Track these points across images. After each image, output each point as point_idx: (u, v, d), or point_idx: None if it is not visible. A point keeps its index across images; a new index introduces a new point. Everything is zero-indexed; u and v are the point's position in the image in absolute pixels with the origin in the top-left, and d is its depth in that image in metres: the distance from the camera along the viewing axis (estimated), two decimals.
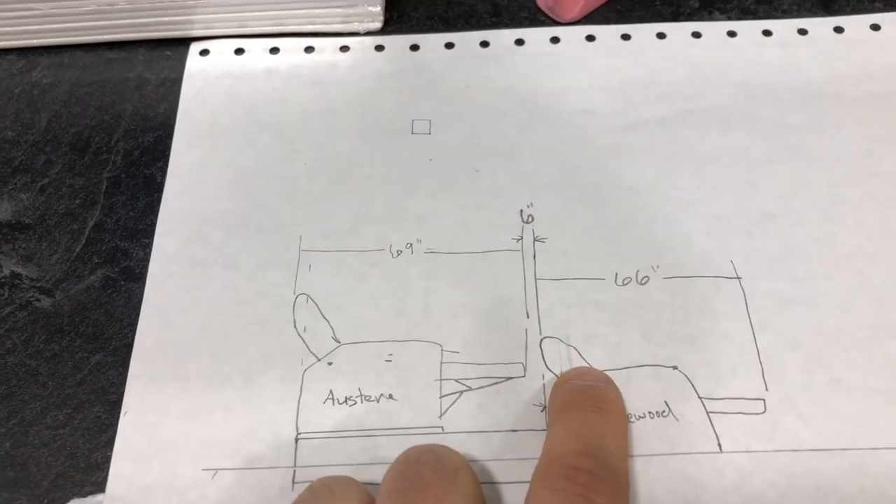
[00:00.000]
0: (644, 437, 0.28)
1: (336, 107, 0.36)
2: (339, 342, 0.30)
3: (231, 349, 0.30)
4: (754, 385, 0.29)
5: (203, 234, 0.32)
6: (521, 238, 0.32)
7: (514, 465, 0.27)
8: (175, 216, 0.33)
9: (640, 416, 0.28)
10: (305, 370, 0.29)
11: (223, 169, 0.34)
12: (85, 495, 0.28)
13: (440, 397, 0.29)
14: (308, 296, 0.31)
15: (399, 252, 0.32)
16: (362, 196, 0.33)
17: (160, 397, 0.29)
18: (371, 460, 0.28)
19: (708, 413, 0.28)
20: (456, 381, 0.29)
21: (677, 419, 0.28)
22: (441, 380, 0.29)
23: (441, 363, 0.30)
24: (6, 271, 0.32)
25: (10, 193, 0.34)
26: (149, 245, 0.32)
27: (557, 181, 0.33)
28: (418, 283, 0.31)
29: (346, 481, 0.25)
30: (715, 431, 0.28)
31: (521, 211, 0.33)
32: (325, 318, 0.31)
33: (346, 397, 0.29)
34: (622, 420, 0.27)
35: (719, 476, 0.27)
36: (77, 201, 0.34)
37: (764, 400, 0.28)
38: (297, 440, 0.28)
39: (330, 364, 0.30)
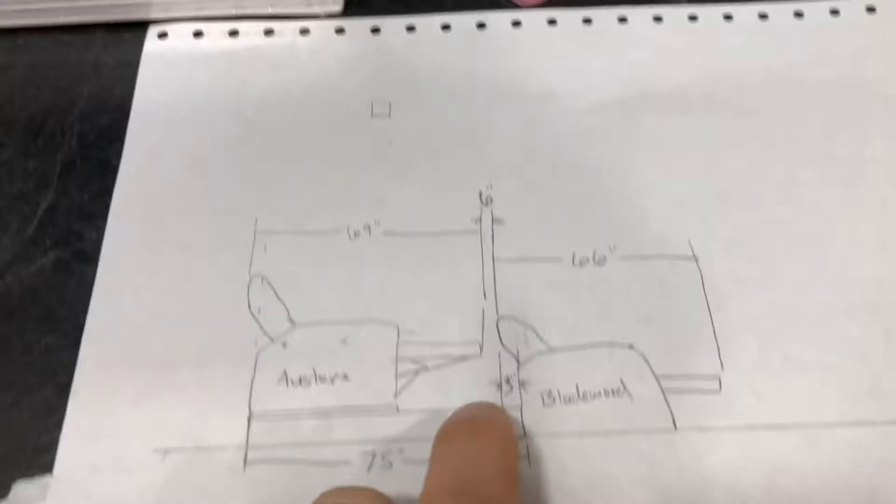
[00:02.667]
0: (599, 415, 0.28)
1: (295, 90, 0.36)
2: (294, 323, 0.30)
3: (184, 330, 0.30)
4: (710, 363, 0.29)
5: (157, 216, 0.32)
6: (480, 219, 0.32)
7: None
8: (129, 198, 0.33)
9: (595, 395, 0.28)
10: (259, 351, 0.29)
11: (179, 152, 0.34)
12: (32, 477, 0.27)
13: (396, 377, 0.29)
14: (263, 277, 0.31)
15: (357, 233, 0.32)
16: (320, 178, 0.33)
17: (111, 379, 0.29)
18: (325, 440, 0.27)
19: (663, 391, 0.28)
20: (412, 360, 0.29)
21: (632, 397, 0.28)
22: (397, 360, 0.29)
23: (397, 343, 0.29)
24: None
25: None
26: (102, 227, 0.32)
27: (517, 163, 0.33)
28: (376, 265, 0.31)
29: None
30: (670, 409, 0.28)
31: (481, 192, 0.33)
32: (280, 299, 0.30)
33: (300, 378, 0.29)
34: (505, 440, 0.25)
35: (674, 453, 0.27)
36: (30, 184, 0.33)
37: (720, 378, 0.28)
38: (249, 421, 0.28)
39: (284, 345, 0.29)
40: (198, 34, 0.37)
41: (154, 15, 0.37)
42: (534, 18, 0.37)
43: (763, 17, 0.37)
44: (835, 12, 0.37)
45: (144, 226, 0.32)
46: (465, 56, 0.36)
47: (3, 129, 0.35)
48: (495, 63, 0.36)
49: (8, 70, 0.36)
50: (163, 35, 0.37)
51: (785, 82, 0.35)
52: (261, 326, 0.30)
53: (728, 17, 0.37)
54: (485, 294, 0.30)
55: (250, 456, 0.27)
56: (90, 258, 0.31)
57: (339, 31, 0.37)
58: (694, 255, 0.31)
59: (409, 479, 0.27)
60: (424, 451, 0.27)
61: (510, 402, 0.28)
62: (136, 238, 0.32)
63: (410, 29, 0.37)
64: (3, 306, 0.30)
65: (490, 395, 0.28)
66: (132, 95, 0.35)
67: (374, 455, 0.27)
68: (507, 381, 0.28)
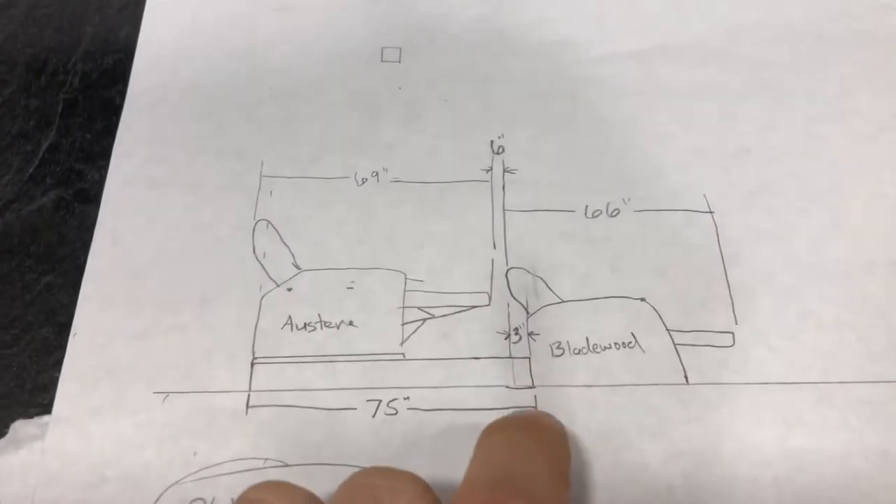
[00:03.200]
0: (609, 367, 0.27)
1: (304, 33, 0.35)
2: (299, 268, 0.29)
3: (187, 272, 0.29)
4: (724, 318, 0.28)
5: (162, 156, 0.31)
6: (491, 169, 0.31)
7: (475, 391, 0.27)
8: (133, 138, 0.32)
9: (605, 347, 0.28)
10: (264, 296, 0.29)
11: (185, 92, 0.33)
12: (31, 416, 0.26)
13: (402, 324, 0.28)
14: (268, 221, 0.30)
15: (364, 180, 0.31)
16: (328, 123, 0.32)
17: (112, 319, 0.28)
18: (329, 385, 0.27)
19: (675, 345, 0.28)
20: (419, 308, 0.28)
21: (643, 350, 0.27)
22: (403, 307, 0.28)
23: (404, 291, 0.29)
24: None
25: None
26: (105, 167, 0.31)
27: (529, 112, 0.32)
28: (383, 212, 0.30)
29: None
30: (682, 363, 0.27)
31: (492, 142, 0.32)
32: (285, 244, 0.30)
33: (305, 323, 0.28)
34: (558, 440, 0.24)
35: (684, 407, 0.27)
36: (31, 122, 0.33)
37: (733, 333, 0.28)
38: (252, 364, 0.27)
39: (289, 290, 0.29)
40: None
41: None
42: None
43: None
44: None
45: (148, 166, 0.31)
46: (478, 2, 0.35)
47: (6, 67, 0.34)
48: (508, 10, 0.35)
49: (10, 8, 0.36)
50: None
51: (805, 36, 0.34)
52: (266, 271, 0.29)
53: None
54: (494, 244, 0.30)
55: (253, 400, 0.27)
56: (92, 198, 0.31)
57: None
58: (709, 209, 0.30)
59: (414, 426, 0.26)
60: (430, 399, 0.26)
61: (518, 351, 0.27)
62: (139, 178, 0.31)
63: None
64: (3, 244, 0.30)
65: (498, 345, 0.28)
66: (137, 36, 0.35)
67: (379, 402, 0.27)
68: (516, 331, 0.28)
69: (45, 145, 0.32)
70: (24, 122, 0.33)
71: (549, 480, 0.21)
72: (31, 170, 0.31)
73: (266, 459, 0.26)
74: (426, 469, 0.25)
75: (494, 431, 0.24)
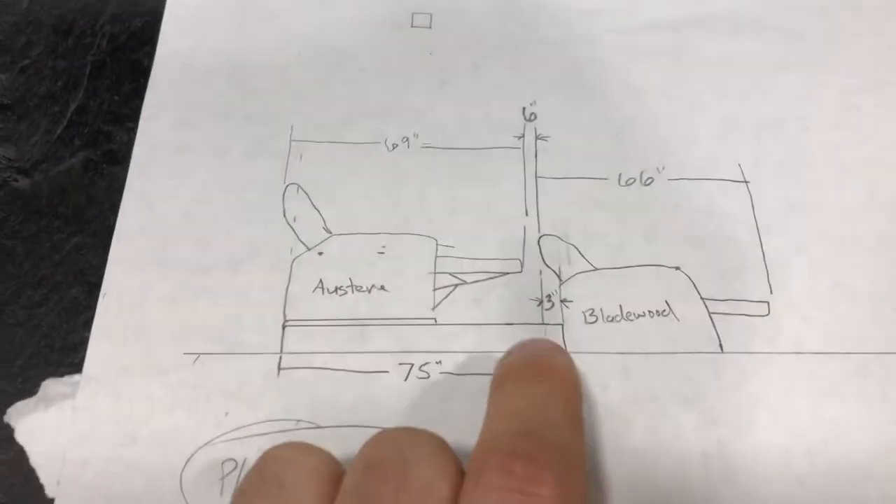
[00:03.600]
0: (643, 335, 0.27)
1: None
2: (330, 232, 0.29)
3: (217, 236, 0.29)
4: (759, 288, 0.28)
5: (190, 119, 0.31)
6: (523, 136, 0.31)
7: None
8: (162, 101, 0.32)
9: (639, 315, 0.27)
10: (294, 259, 0.28)
11: (213, 55, 0.33)
12: (61, 375, 0.26)
13: (434, 290, 0.28)
14: (299, 185, 0.30)
15: (395, 145, 0.31)
16: (358, 87, 0.32)
17: (142, 281, 0.28)
18: (360, 349, 0.27)
19: (710, 314, 0.27)
20: (450, 275, 0.28)
21: (678, 319, 0.27)
22: (435, 273, 0.28)
23: (435, 257, 0.28)
24: None
25: None
26: (133, 129, 0.31)
27: (562, 79, 0.32)
28: (414, 177, 0.30)
29: (301, 464, 0.21)
30: (717, 332, 0.27)
31: (524, 108, 0.31)
32: (315, 208, 0.29)
33: (336, 287, 0.28)
34: (571, 386, 0.23)
35: (719, 375, 0.26)
36: (59, 83, 0.32)
37: (768, 303, 0.28)
38: (284, 327, 0.27)
39: (320, 254, 0.28)
40: None
41: None
42: None
43: None
44: None
45: (176, 129, 0.31)
46: None
47: (32, 28, 0.34)
48: None
49: None
50: None
51: (839, 5, 0.34)
52: (296, 234, 0.29)
53: None
54: (526, 211, 0.29)
55: (284, 362, 0.26)
56: (120, 160, 0.30)
57: None
58: (744, 179, 0.30)
59: (447, 389, 0.26)
60: (463, 363, 0.26)
61: (551, 318, 0.27)
62: (168, 141, 0.31)
63: None
64: (32, 205, 0.30)
65: (530, 311, 0.27)
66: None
67: (411, 365, 0.26)
68: (549, 297, 0.28)
69: (72, 107, 0.32)
70: (51, 84, 0.32)
71: (569, 427, 0.21)
72: (58, 131, 0.31)
73: (298, 421, 0.26)
74: (458, 433, 0.25)
75: (506, 381, 0.23)
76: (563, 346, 0.27)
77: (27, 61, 0.33)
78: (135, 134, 0.31)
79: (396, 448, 0.21)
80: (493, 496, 0.19)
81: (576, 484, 0.20)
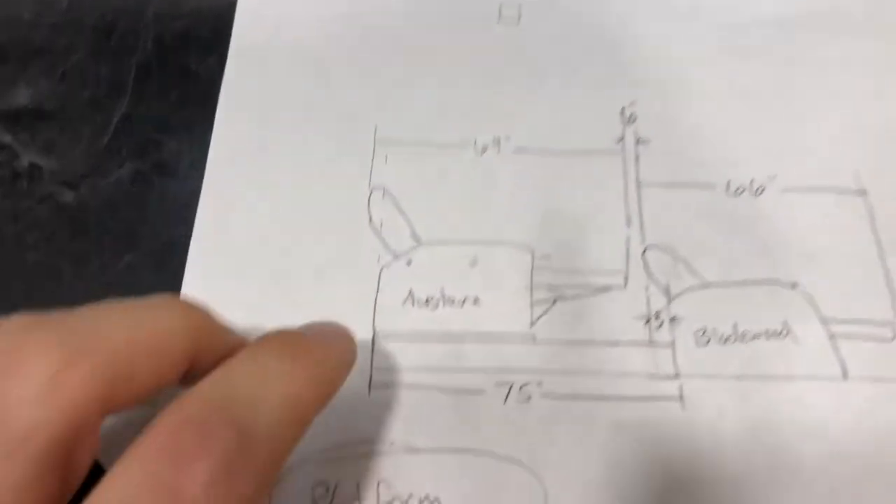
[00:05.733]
0: (759, 357, 0.25)
1: None
2: (418, 240, 0.27)
3: (300, 243, 0.27)
4: (882, 309, 0.26)
5: (268, 119, 0.29)
6: (623, 138, 0.29)
7: (613, 379, 0.25)
8: (237, 100, 0.30)
9: (755, 336, 0.25)
10: (382, 268, 0.27)
11: (290, 51, 0.31)
12: None
13: (531, 304, 0.26)
14: (385, 189, 0.28)
15: (485, 148, 0.29)
16: (444, 86, 0.30)
17: (221, 292, 0.26)
18: (456, 366, 0.25)
19: (831, 336, 0.25)
20: (548, 288, 0.26)
21: (797, 341, 0.25)
22: (532, 286, 0.26)
23: (532, 268, 0.27)
24: (24, 162, 0.29)
25: (28, 79, 0.31)
26: (184, 138, 0.29)
27: (662, 79, 0.30)
28: (506, 183, 0.28)
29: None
30: (839, 356, 0.25)
31: (623, 109, 0.29)
32: (403, 213, 0.28)
33: (427, 298, 0.26)
34: (315, 372, 0.19)
35: (846, 404, 0.24)
36: (103, 89, 0.30)
37: (893, 325, 0.25)
38: (373, 341, 0.25)
39: (409, 263, 0.27)
40: None
41: None
42: None
43: None
44: None
45: (254, 130, 0.29)
46: None
47: (74, 29, 0.32)
48: None
49: None
50: None
51: None
52: (383, 242, 0.27)
53: None
54: (629, 220, 0.27)
55: (375, 378, 0.25)
56: (171, 171, 0.29)
57: None
58: (862, 189, 0.28)
59: (549, 413, 0.24)
60: (565, 385, 0.25)
61: (660, 337, 0.25)
62: (244, 144, 0.29)
63: None
64: (79, 221, 0.28)
65: (637, 330, 0.26)
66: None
67: (510, 386, 0.25)
68: (657, 315, 0.26)
69: (118, 114, 0.30)
70: (94, 90, 0.30)
71: (279, 416, 0.17)
72: (105, 140, 0.29)
73: (392, 443, 0.24)
74: (564, 463, 0.23)
75: (258, 345, 0.19)
76: (674, 368, 0.25)
77: (68, 65, 0.31)
78: (185, 143, 0.29)
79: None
80: (139, 477, 0.15)
81: (244, 477, 0.16)
